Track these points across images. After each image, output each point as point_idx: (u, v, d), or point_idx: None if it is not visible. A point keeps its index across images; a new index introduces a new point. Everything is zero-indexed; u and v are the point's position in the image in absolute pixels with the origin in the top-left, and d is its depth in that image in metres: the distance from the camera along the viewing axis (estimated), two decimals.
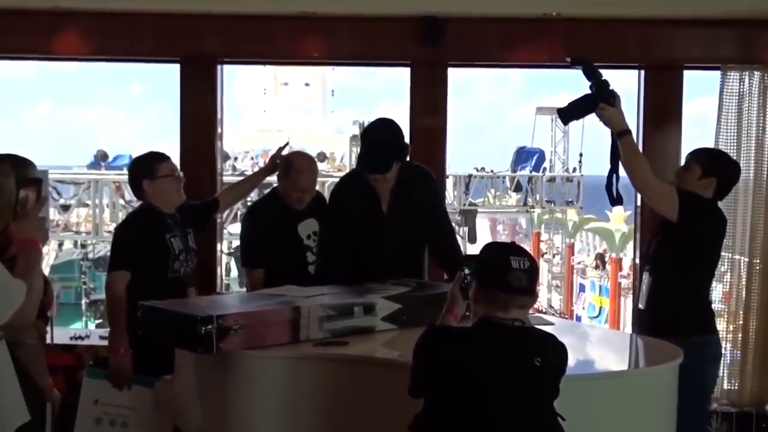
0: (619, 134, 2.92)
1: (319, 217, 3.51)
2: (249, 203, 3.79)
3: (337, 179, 3.61)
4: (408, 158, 3.40)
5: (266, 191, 3.78)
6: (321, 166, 18.96)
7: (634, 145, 2.99)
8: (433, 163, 4.57)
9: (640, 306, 3.20)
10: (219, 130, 4.70)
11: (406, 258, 3.39)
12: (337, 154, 18.95)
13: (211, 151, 4.64)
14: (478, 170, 16.62)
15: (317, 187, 3.57)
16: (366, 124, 3.57)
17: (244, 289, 3.56)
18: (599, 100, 2.87)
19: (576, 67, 2.91)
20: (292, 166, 3.44)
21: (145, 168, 3.27)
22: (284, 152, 3.65)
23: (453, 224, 3.61)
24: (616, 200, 2.99)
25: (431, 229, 3.42)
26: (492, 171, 16.90)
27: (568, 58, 2.92)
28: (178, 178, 3.31)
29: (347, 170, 3.53)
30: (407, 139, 3.43)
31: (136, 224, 3.26)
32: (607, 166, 2.99)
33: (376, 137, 3.24)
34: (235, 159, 17.95)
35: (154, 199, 3.26)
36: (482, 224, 19.28)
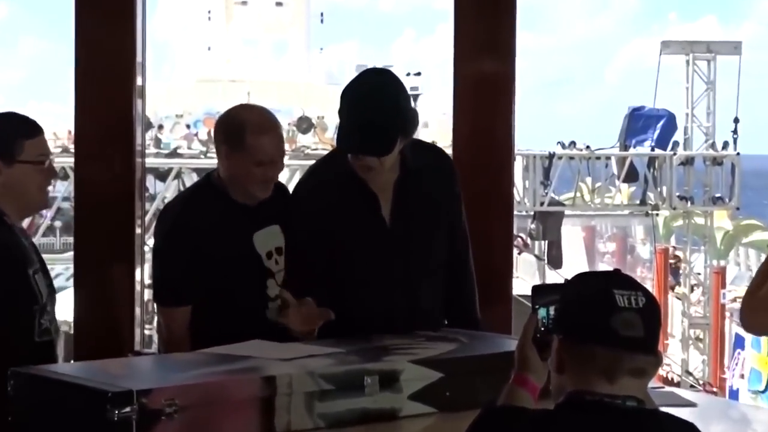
0: None
1: (287, 222, 3.55)
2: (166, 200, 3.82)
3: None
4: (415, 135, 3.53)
5: (198, 180, 3.81)
6: (303, 140, 19.00)
7: None
8: (492, 134, 4.64)
9: None
10: (139, 81, 4.74)
11: (424, 293, 3.50)
12: (329, 119, 18.97)
13: (125, 115, 4.67)
14: (564, 146, 16.66)
15: (284, 178, 3.61)
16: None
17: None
18: None
19: None
20: (244, 126, 3.44)
21: (2, 140, 3.25)
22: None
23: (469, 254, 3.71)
24: None
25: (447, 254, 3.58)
26: (588, 147, 16.95)
27: None
28: (50, 170, 3.36)
29: None
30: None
31: None
32: None
33: (368, 99, 3.33)
34: (160, 128, 18.08)
35: (2, 199, 3.25)
36: (572, 236, 19.27)
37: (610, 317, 2.10)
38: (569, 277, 2.29)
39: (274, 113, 3.65)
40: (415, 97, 15.67)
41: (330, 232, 3.43)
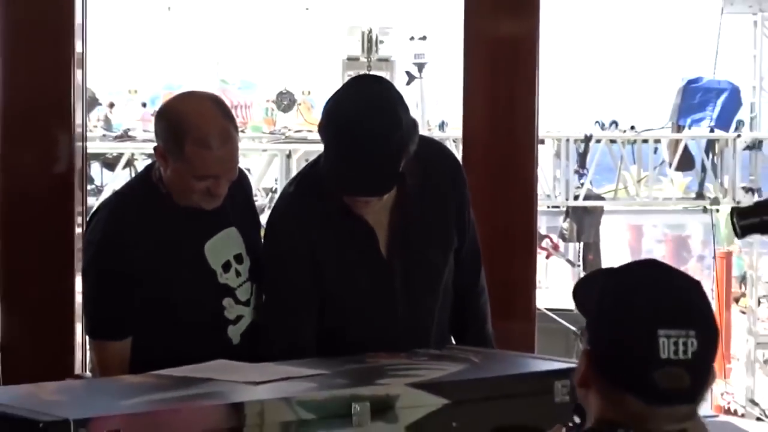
0: None
1: (247, 221, 3.61)
2: (100, 203, 3.82)
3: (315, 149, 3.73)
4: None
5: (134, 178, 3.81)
6: (284, 120, 19.04)
7: None
8: (511, 111, 4.69)
9: None
10: (79, 47, 4.75)
11: (430, 317, 3.60)
12: (316, 94, 18.94)
13: (63, 90, 4.70)
14: (604, 127, 16.61)
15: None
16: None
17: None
18: None
19: None
20: (184, 131, 3.42)
21: None
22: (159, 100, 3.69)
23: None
24: None
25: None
26: (632, 128, 16.91)
27: None
28: None
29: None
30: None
31: None
32: None
33: (363, 137, 3.35)
34: (112, 106, 18.05)
35: None
36: (614, 237, 19.19)
37: (650, 371, 2.13)
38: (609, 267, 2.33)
39: (227, 108, 3.61)
40: (421, 66, 15.57)
41: (320, 273, 3.51)
